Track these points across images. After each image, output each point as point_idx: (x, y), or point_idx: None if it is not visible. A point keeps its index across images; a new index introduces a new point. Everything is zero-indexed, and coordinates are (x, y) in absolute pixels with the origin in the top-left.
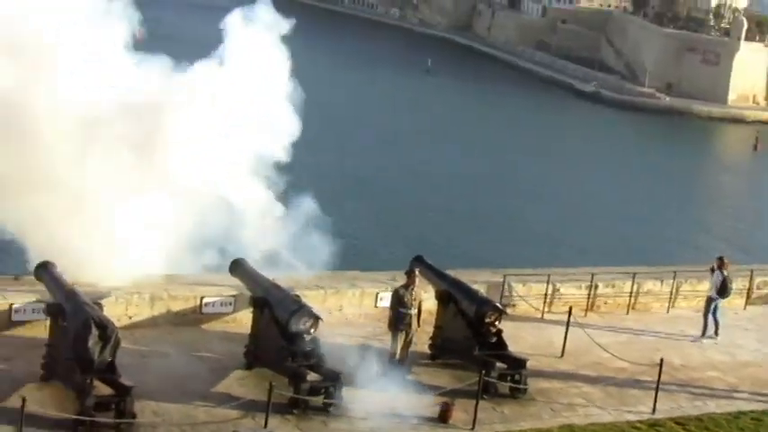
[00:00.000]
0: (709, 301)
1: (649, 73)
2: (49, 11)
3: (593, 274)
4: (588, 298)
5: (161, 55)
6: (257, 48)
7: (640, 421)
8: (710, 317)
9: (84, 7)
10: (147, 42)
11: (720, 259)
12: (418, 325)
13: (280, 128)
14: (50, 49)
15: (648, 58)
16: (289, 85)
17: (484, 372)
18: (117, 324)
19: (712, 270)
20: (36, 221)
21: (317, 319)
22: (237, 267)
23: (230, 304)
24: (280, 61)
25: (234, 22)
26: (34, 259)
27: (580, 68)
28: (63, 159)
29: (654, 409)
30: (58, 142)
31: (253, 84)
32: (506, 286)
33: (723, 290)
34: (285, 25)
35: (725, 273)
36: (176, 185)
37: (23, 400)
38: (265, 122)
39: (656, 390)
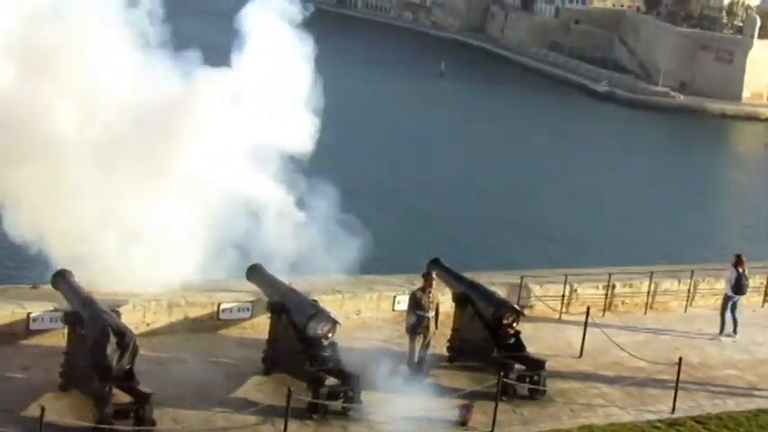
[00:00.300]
0: (726, 299)
1: (663, 72)
2: (68, 16)
3: (610, 274)
4: (606, 298)
5: (178, 56)
6: (276, 37)
7: (660, 420)
8: (729, 315)
9: (102, 11)
10: (163, 45)
11: (738, 257)
12: (436, 327)
13: (297, 125)
14: (71, 53)
15: (662, 57)
16: (310, 80)
17: (502, 373)
18: (135, 331)
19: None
20: (63, 232)
21: (334, 323)
22: (254, 273)
23: (248, 310)
24: (300, 53)
25: (251, 12)
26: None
27: (594, 69)
28: (89, 168)
29: (673, 409)
30: (83, 151)
31: (273, 78)
32: (523, 287)
33: (738, 287)
34: (301, 13)
35: (740, 270)
36: (199, 190)
37: (42, 409)
38: (283, 119)
39: (676, 389)
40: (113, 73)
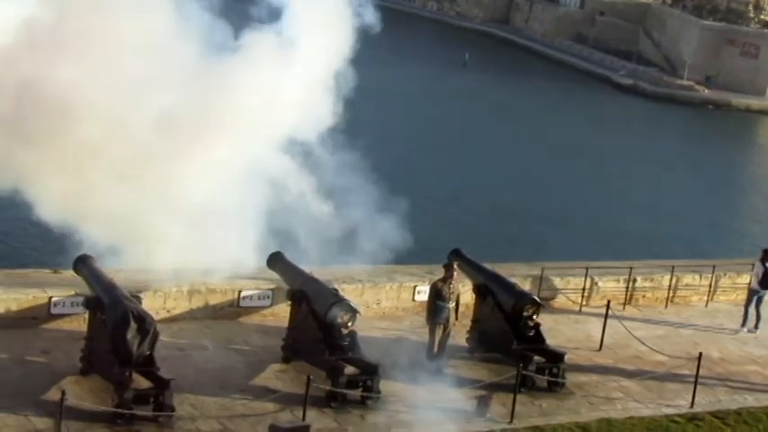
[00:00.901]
0: (752, 293)
1: (688, 65)
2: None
3: (631, 268)
4: (626, 291)
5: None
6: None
7: (679, 415)
8: (752, 309)
9: None
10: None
11: (765, 251)
12: (456, 318)
13: (317, 111)
14: (122, 37)
15: (687, 51)
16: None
17: (522, 365)
18: (155, 317)
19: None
20: (109, 214)
21: (354, 312)
22: (275, 261)
23: (268, 297)
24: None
25: None
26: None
27: (618, 61)
28: (142, 154)
29: (692, 403)
30: (135, 139)
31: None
32: (544, 279)
33: (765, 282)
34: None
35: (767, 265)
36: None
37: (63, 393)
38: (305, 105)
39: (695, 384)
40: (161, 56)
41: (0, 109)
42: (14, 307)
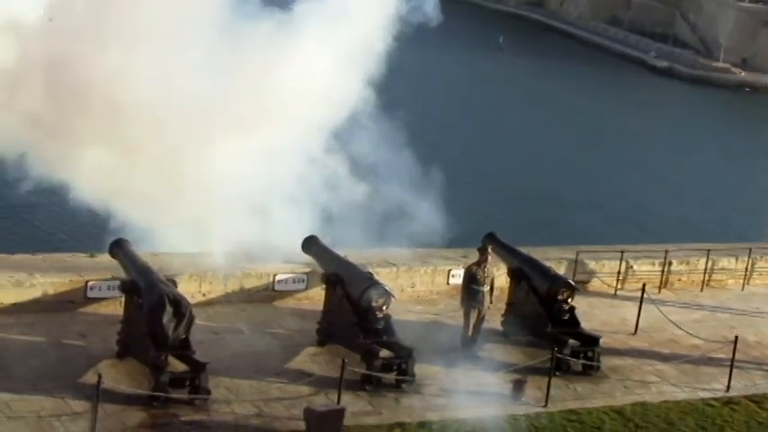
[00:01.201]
0: None
1: (724, 48)
2: None
3: (666, 251)
4: (662, 275)
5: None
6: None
7: (715, 399)
8: None
9: None
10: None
11: None
12: (491, 302)
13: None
14: (157, 25)
15: (723, 33)
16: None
17: (556, 349)
18: (191, 301)
19: None
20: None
21: (389, 295)
22: (310, 244)
23: (303, 281)
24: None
25: None
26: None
27: (654, 44)
28: (182, 138)
29: (728, 387)
30: (174, 122)
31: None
32: (579, 263)
33: None
34: None
35: None
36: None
37: (99, 376)
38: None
39: (731, 367)
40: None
41: (37, 96)
42: (51, 291)
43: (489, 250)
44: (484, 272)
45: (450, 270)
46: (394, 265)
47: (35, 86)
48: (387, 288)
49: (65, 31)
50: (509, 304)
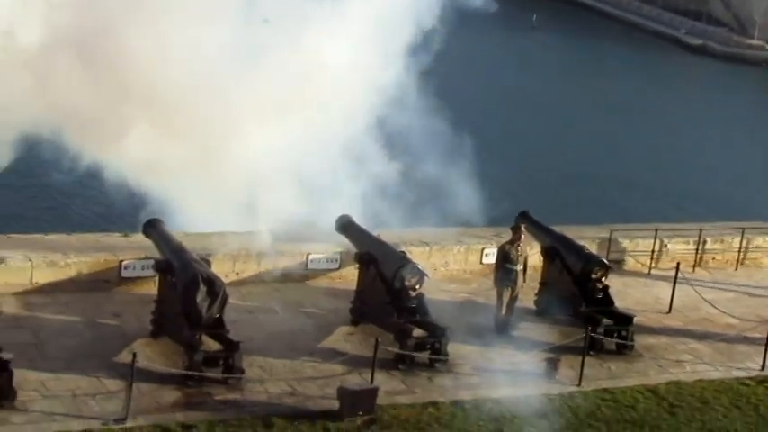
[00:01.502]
0: None
1: (758, 25)
2: None
3: (701, 230)
4: (696, 253)
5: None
6: None
7: (749, 378)
8: None
9: None
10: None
11: None
12: (524, 281)
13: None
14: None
15: (758, 10)
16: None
17: (590, 328)
18: (224, 280)
19: None
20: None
21: (422, 275)
22: (343, 224)
23: (336, 260)
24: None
25: None
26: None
27: (688, 21)
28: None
29: (763, 366)
30: (210, 104)
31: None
32: (613, 242)
33: None
34: None
35: None
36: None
37: (134, 355)
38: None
39: (766, 346)
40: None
41: (70, 75)
42: (86, 270)
43: (522, 229)
44: (517, 251)
45: (483, 249)
46: (427, 244)
47: (67, 63)
48: (420, 267)
49: (96, 2)
50: (542, 283)
